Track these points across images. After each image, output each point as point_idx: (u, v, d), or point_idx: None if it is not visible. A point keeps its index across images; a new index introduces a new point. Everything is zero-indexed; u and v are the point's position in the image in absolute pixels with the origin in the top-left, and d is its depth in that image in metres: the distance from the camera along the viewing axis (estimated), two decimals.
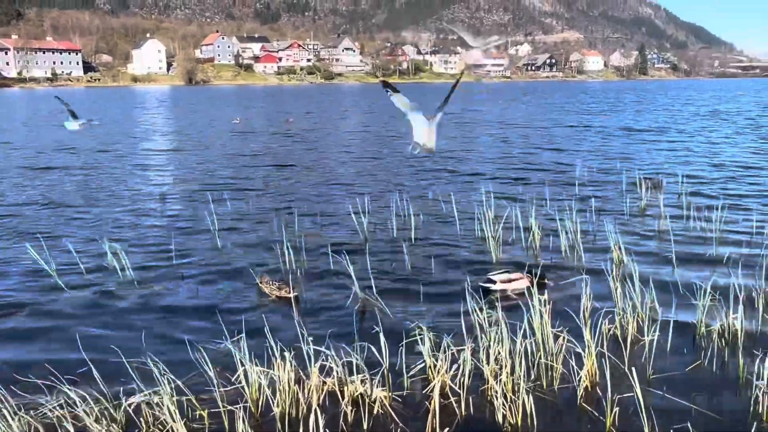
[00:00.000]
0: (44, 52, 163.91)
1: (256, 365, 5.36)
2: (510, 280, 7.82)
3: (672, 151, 22.18)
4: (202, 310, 7.50)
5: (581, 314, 6.71)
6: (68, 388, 5.22)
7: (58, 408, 5.14)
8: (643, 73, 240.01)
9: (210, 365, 5.50)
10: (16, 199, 14.46)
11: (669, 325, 6.55)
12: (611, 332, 6.62)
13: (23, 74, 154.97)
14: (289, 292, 7.56)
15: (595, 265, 8.91)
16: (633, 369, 5.26)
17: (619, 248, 9.02)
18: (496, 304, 6.91)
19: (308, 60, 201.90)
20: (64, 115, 15.22)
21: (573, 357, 5.88)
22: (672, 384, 5.70)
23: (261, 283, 7.97)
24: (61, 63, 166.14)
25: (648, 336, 6.35)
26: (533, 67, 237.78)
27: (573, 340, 6.07)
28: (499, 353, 5.68)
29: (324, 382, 5.46)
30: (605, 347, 6.14)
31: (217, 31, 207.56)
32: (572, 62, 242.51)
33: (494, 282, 7.77)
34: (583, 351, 5.80)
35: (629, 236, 10.42)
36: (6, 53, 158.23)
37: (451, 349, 5.79)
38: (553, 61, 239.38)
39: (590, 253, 9.49)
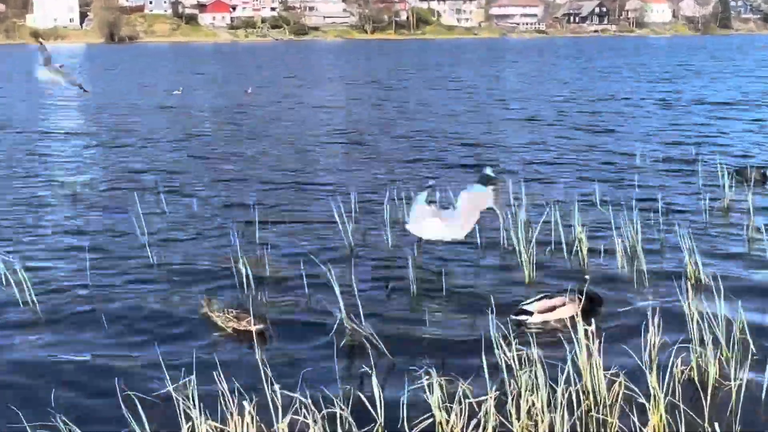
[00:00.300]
0: None
1: (207, 419, 5.36)
2: (551, 308, 7.82)
3: (763, 131, 22.34)
4: (129, 350, 7.47)
5: (644, 352, 6.73)
6: None
7: None
8: (724, 25, 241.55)
9: (144, 422, 5.49)
10: None
11: (765, 367, 6.57)
12: (685, 376, 6.65)
13: None
14: (251, 324, 7.55)
15: (662, 284, 8.94)
16: (716, 425, 5.28)
17: (696, 262, 9.06)
18: (530, 338, 6.93)
19: (272, 9, 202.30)
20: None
21: (634, 409, 5.88)
22: None
23: (210, 312, 7.96)
24: None
25: (735, 380, 6.38)
26: (577, 19, 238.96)
27: (633, 387, 6.08)
28: (534, 405, 5.69)
29: None
30: (677, 396, 6.16)
31: None
32: (629, 12, 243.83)
33: (530, 313, 7.76)
34: (648, 401, 5.82)
35: (708, 245, 10.48)
36: None
37: (469, 400, 5.80)
38: (604, 9, 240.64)
39: (656, 268, 9.53)
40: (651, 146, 19.31)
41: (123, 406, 5.90)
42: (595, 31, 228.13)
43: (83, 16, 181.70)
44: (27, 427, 5.73)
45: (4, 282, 9.05)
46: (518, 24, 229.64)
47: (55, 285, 9.29)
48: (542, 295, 8.06)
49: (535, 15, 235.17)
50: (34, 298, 8.60)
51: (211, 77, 52.50)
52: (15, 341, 7.74)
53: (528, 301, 7.95)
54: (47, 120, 27.92)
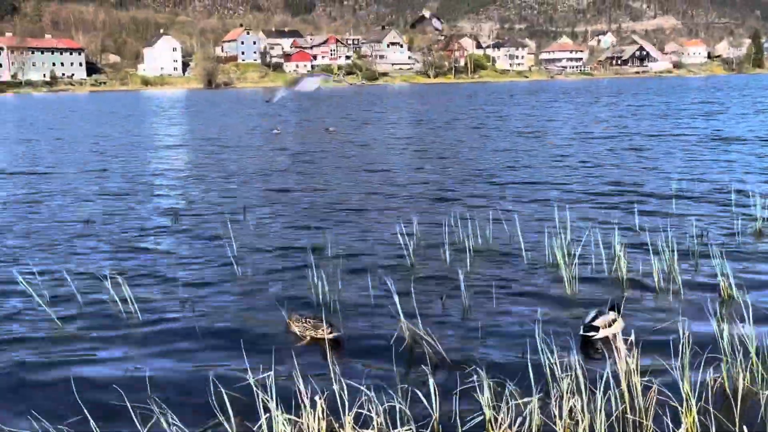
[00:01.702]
0: (42, 52, 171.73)
1: (283, 412, 5.41)
2: (610, 324, 7.59)
3: None
4: (218, 350, 7.62)
5: (678, 361, 6.54)
6: None
7: None
8: (757, 65, 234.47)
9: (230, 412, 5.58)
10: (5, 218, 15.07)
11: None
12: (717, 384, 6.43)
13: (18, 77, 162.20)
14: (325, 332, 7.60)
15: (696, 299, 8.70)
16: (745, 429, 5.09)
17: (728, 279, 8.79)
18: (571, 345, 6.81)
19: (347, 57, 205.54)
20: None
21: (668, 413, 5.73)
22: None
23: (291, 321, 8.05)
24: (62, 64, 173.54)
25: (765, 390, 6.15)
26: (619, 61, 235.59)
27: (668, 393, 5.93)
28: (575, 406, 5.58)
29: None
30: (709, 402, 5.97)
31: (241, 25, 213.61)
32: (668, 54, 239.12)
33: (597, 329, 7.48)
34: (681, 406, 5.66)
35: (740, 264, 10.14)
36: None
37: (516, 400, 5.73)
38: (644, 53, 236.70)
39: (690, 285, 9.28)
40: (687, 173, 18.83)
41: (208, 402, 6.02)
42: (636, 72, 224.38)
43: (185, 65, 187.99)
44: (129, 407, 5.87)
45: (109, 296, 9.32)
46: (566, 67, 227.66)
47: (154, 298, 9.54)
48: (596, 311, 7.81)
49: (581, 58, 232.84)
50: (135, 306, 8.85)
51: (296, 117, 53.39)
52: (117, 340, 7.98)
53: (589, 318, 7.64)
54: (154, 155, 28.81)
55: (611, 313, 7.65)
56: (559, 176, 19.53)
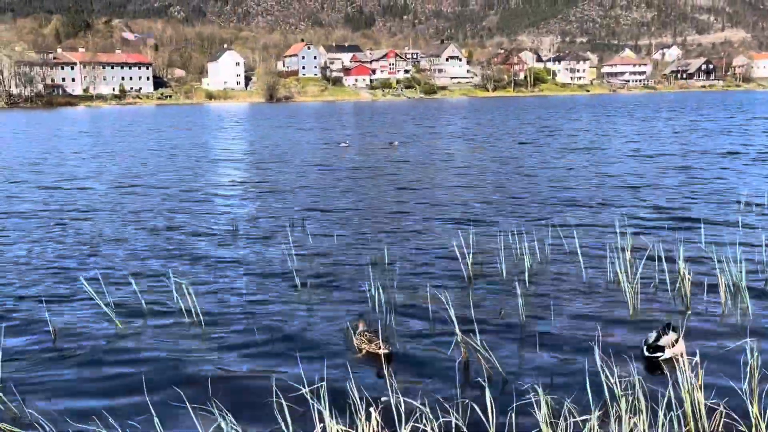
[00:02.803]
0: (112, 67, 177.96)
1: (337, 423, 5.44)
2: (674, 342, 7.37)
3: None
4: (276, 357, 7.72)
5: (746, 383, 6.32)
6: None
7: None
8: None
9: (288, 419, 5.63)
10: (80, 226, 15.60)
11: None
12: None
13: (89, 91, 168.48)
14: (379, 347, 7.60)
15: (766, 318, 8.40)
16: None
17: None
18: (631, 365, 6.64)
19: (406, 71, 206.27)
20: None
21: None
22: None
23: (353, 333, 8.09)
24: (131, 78, 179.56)
25: None
26: (684, 75, 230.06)
27: (735, 416, 5.73)
28: (635, 426, 5.45)
29: None
30: None
31: (302, 40, 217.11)
32: (736, 68, 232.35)
33: (663, 349, 7.29)
34: (749, 431, 5.46)
35: None
36: (72, 68, 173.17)
37: (574, 417, 5.62)
38: (711, 66, 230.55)
39: (759, 304, 8.97)
40: (755, 192, 18.19)
41: (266, 410, 6.09)
42: (703, 86, 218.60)
43: (248, 80, 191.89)
44: (189, 407, 5.99)
45: (175, 299, 9.56)
46: (628, 81, 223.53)
47: (216, 302, 9.74)
48: (657, 331, 7.57)
49: (644, 72, 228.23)
50: (198, 313, 9.05)
51: (360, 131, 53.74)
52: (180, 346, 8.16)
53: (652, 338, 7.41)
54: (218, 167, 29.44)
55: (672, 333, 7.44)
56: (620, 194, 19.14)
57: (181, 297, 9.40)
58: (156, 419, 5.84)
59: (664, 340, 7.28)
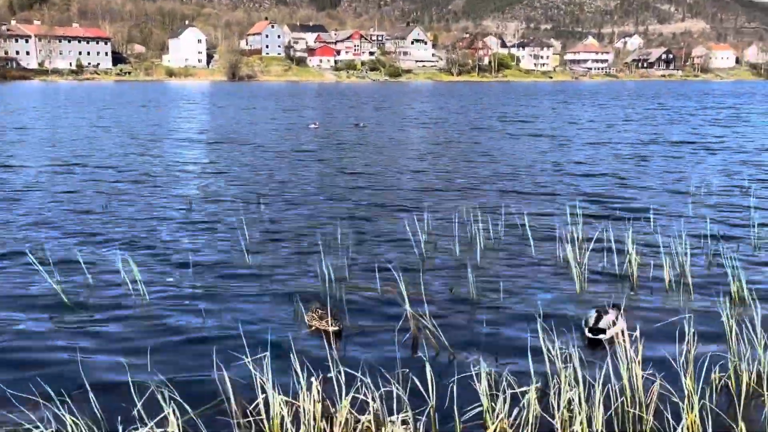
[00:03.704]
0: (69, 41, 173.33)
1: (280, 393, 5.45)
2: (614, 322, 7.52)
3: None
4: (221, 333, 7.69)
5: (682, 358, 6.49)
6: (62, 414, 5.43)
7: None
8: None
9: (231, 394, 5.62)
10: (23, 204, 15.27)
11: None
12: (722, 382, 6.38)
13: (45, 65, 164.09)
14: (329, 324, 7.63)
15: (706, 301, 8.64)
16: (742, 425, 5.04)
17: (739, 282, 8.70)
18: (572, 340, 6.77)
19: (371, 53, 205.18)
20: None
21: (669, 409, 5.71)
22: None
23: (304, 311, 8.13)
24: (88, 53, 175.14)
25: None
26: (645, 64, 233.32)
27: (670, 389, 5.89)
28: (573, 399, 5.56)
29: (357, 420, 5.49)
30: (712, 400, 5.93)
31: (266, 19, 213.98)
32: (695, 58, 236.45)
33: (604, 330, 7.41)
34: (682, 402, 5.61)
35: (755, 269, 10.03)
36: (27, 41, 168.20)
37: (514, 390, 5.71)
38: (671, 56, 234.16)
39: (701, 286, 9.20)
40: (707, 179, 18.61)
41: (209, 384, 6.07)
42: (663, 75, 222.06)
43: (210, 57, 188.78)
44: (131, 385, 5.93)
45: (121, 279, 9.41)
46: (590, 68, 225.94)
47: (163, 282, 9.63)
48: (595, 310, 7.73)
49: (606, 60, 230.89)
50: (144, 288, 8.95)
51: (324, 112, 53.32)
52: (124, 321, 8.07)
53: (592, 319, 7.54)
54: (178, 146, 29.02)
55: (613, 311, 7.61)
56: (573, 179, 19.40)
57: (127, 274, 9.27)
58: (93, 399, 5.76)
59: (605, 321, 7.44)
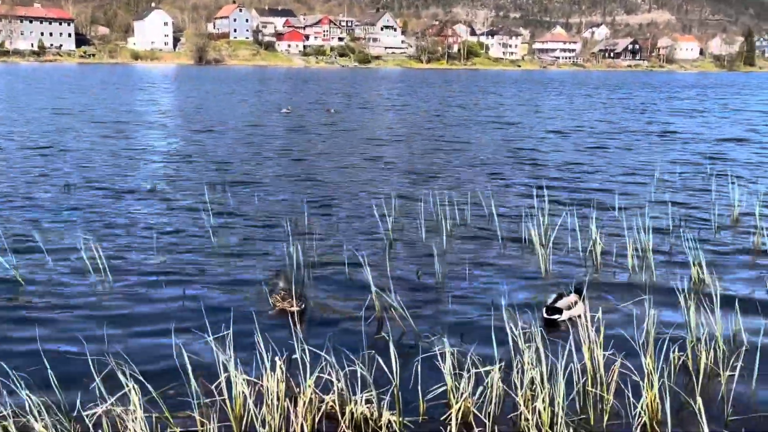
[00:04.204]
0: (31, 21, 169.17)
1: (242, 373, 5.40)
2: (572, 306, 7.60)
3: None
4: (184, 314, 7.60)
5: (642, 338, 6.59)
6: (26, 394, 5.30)
7: (6, 416, 5.25)
8: (749, 63, 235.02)
9: (191, 375, 5.56)
10: None
11: (755, 358, 6.37)
12: (680, 362, 6.49)
13: (6, 46, 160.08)
14: (293, 305, 7.61)
15: (667, 282, 8.77)
16: (704, 407, 5.12)
17: (699, 265, 8.84)
18: (536, 320, 6.83)
19: (340, 39, 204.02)
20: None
21: (629, 388, 5.78)
22: (757, 429, 5.53)
23: (269, 292, 8.10)
24: (50, 34, 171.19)
25: (727, 370, 6.20)
26: (612, 54, 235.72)
27: (631, 368, 5.96)
28: (536, 378, 5.60)
29: (321, 399, 5.47)
30: (671, 379, 6.02)
31: (234, 2, 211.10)
32: (660, 49, 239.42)
33: (560, 311, 7.51)
34: (642, 381, 5.69)
35: (714, 251, 10.21)
36: None
37: (478, 369, 5.74)
38: (637, 47, 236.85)
39: (663, 269, 9.35)
40: (669, 165, 18.90)
41: (170, 363, 6.00)
42: (629, 65, 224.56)
43: (176, 40, 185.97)
44: (92, 367, 5.83)
45: (82, 262, 9.23)
46: (558, 57, 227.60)
47: (126, 264, 9.47)
48: (557, 293, 7.83)
49: (574, 50, 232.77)
50: (108, 269, 8.80)
51: (295, 97, 52.93)
52: (85, 303, 7.94)
53: (551, 300, 7.67)
54: (144, 130, 28.58)
55: (573, 294, 7.69)
56: (537, 163, 19.55)
57: (88, 254, 9.10)
58: (53, 381, 5.65)
59: (563, 302, 7.53)
